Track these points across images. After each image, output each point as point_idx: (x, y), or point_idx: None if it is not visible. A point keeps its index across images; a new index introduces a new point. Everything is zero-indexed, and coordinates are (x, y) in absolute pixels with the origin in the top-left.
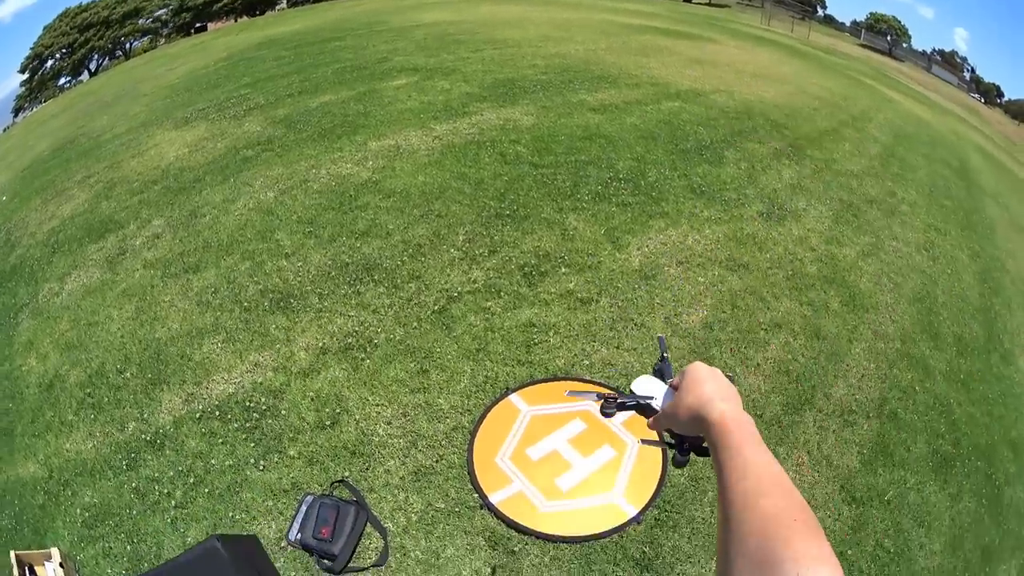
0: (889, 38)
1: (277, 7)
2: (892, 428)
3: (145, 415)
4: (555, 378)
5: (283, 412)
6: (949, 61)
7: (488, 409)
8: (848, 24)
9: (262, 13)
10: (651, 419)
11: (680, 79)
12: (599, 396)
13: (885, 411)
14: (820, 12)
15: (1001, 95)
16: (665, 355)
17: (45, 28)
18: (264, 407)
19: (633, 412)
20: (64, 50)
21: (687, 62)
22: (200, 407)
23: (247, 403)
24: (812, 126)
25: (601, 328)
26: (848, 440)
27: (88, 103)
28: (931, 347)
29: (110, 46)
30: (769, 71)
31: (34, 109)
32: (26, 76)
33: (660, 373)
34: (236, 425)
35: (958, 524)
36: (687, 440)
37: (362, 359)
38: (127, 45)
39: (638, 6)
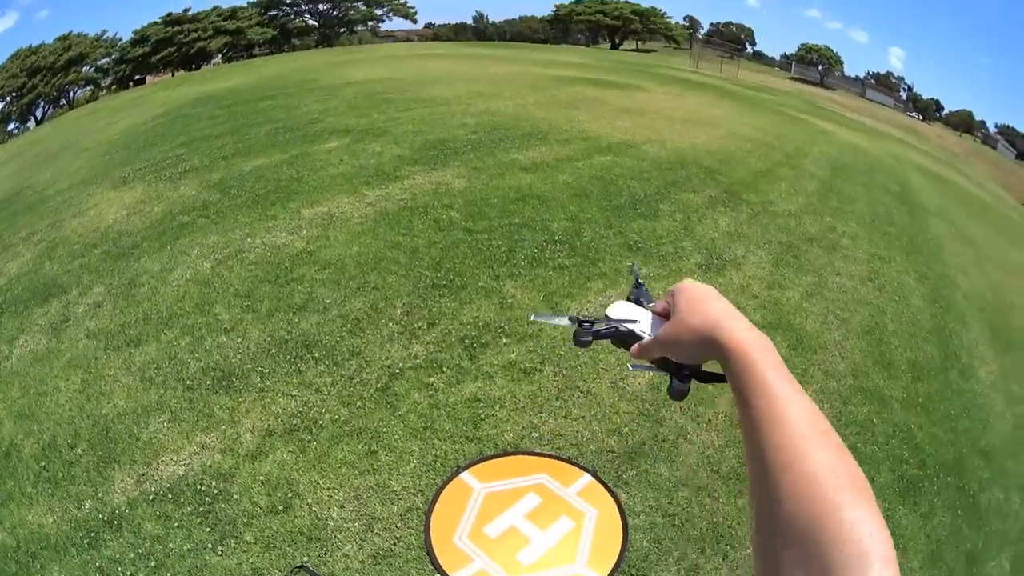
0: (820, 68)
1: (213, 62)
2: None
3: (99, 494)
4: (505, 453)
5: (235, 496)
6: (884, 83)
7: (441, 489)
8: (778, 58)
9: (198, 68)
10: (636, 346)
11: (611, 131)
12: (572, 319)
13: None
14: (749, 49)
15: (940, 109)
16: (640, 282)
17: None
18: (216, 491)
19: (609, 341)
20: (14, 93)
21: (617, 112)
22: (152, 489)
23: (198, 486)
24: (746, 169)
25: (547, 398)
26: None
27: (34, 153)
28: (885, 377)
29: (55, 93)
30: (700, 116)
31: None
32: None
33: (637, 299)
34: (190, 508)
35: (934, 539)
36: (686, 366)
37: (309, 441)
38: (71, 94)
39: (567, 57)
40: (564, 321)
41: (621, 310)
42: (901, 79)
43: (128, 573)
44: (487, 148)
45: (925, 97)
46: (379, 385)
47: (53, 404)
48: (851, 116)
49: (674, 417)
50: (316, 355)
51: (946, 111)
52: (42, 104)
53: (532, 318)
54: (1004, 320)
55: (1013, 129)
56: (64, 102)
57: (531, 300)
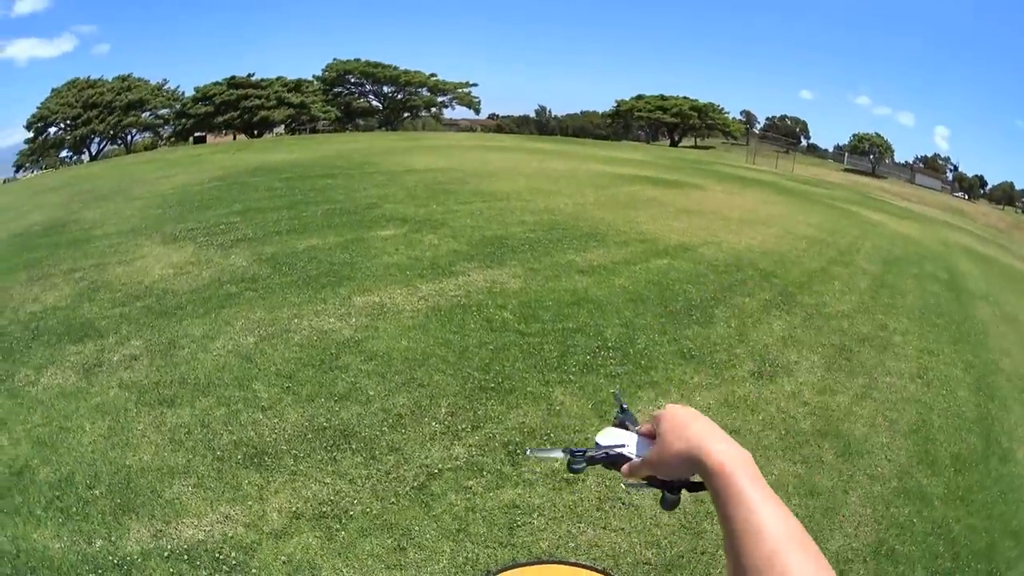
0: (872, 156)
1: (275, 131)
2: (889, 565)
3: (113, 537)
4: (538, 560)
5: (253, 571)
6: (931, 166)
7: None
8: (831, 150)
9: (260, 135)
10: (626, 467)
11: (668, 233)
12: (565, 451)
13: (882, 551)
14: (804, 142)
15: (984, 184)
16: (624, 406)
17: (53, 90)
18: (234, 561)
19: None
20: (68, 122)
21: (675, 213)
22: (169, 546)
23: (216, 554)
24: (800, 269)
25: (587, 508)
26: None
27: (84, 188)
28: (928, 475)
29: (111, 132)
30: (756, 214)
31: (34, 172)
32: (31, 135)
33: (623, 423)
34: (206, 573)
35: None
36: (675, 481)
37: (337, 529)
38: (128, 136)
39: (627, 154)
40: (558, 454)
41: (610, 436)
42: (947, 159)
43: None
44: (544, 248)
45: (970, 175)
46: (416, 483)
47: (76, 442)
48: (900, 204)
49: (715, 528)
50: (354, 446)
51: (989, 186)
52: (97, 140)
53: (528, 453)
54: None
55: None
56: (120, 142)
57: (580, 408)
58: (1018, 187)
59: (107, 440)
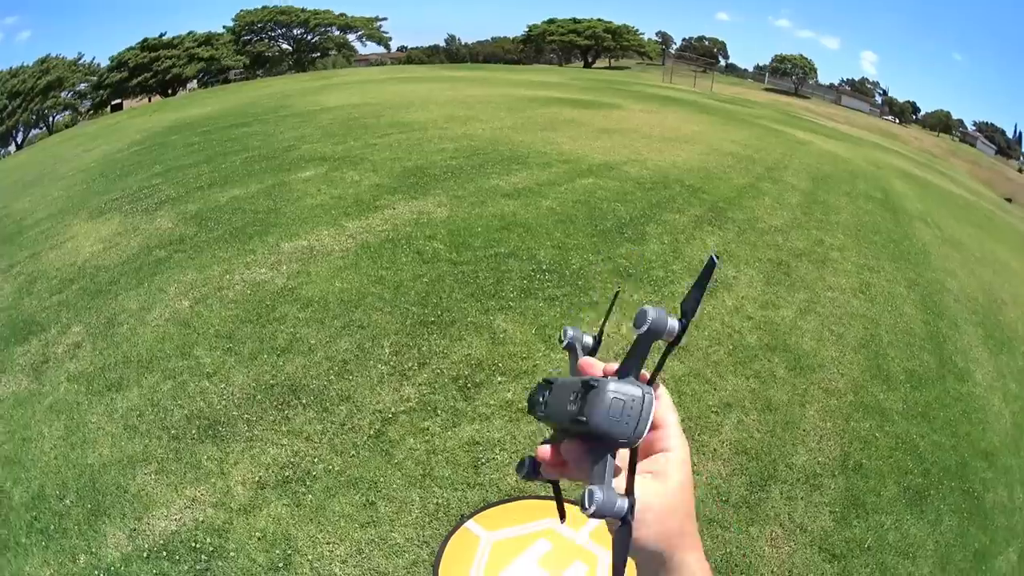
0: (795, 77)
1: (188, 87)
2: (859, 479)
3: (93, 548)
4: (510, 498)
5: (231, 554)
6: (859, 89)
7: (447, 540)
8: (752, 70)
9: (174, 93)
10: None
11: (591, 152)
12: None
13: (849, 465)
14: (722, 62)
15: (917, 111)
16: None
17: None
18: (211, 548)
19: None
20: None
21: (595, 133)
22: (146, 544)
23: (192, 543)
24: (729, 186)
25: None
26: (818, 503)
27: (12, 180)
28: (884, 390)
29: (34, 118)
30: (678, 132)
31: None
32: None
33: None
34: (187, 567)
35: (943, 544)
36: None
37: (303, 493)
38: (50, 119)
39: (541, 77)
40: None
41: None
42: (876, 83)
43: None
44: (467, 174)
45: (901, 100)
46: (372, 431)
47: (38, 451)
48: (828, 124)
49: None
50: (304, 401)
51: (923, 112)
52: (21, 129)
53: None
54: (996, 319)
55: (992, 126)
56: (44, 127)
57: (523, 334)
58: (955, 116)
59: (66, 441)
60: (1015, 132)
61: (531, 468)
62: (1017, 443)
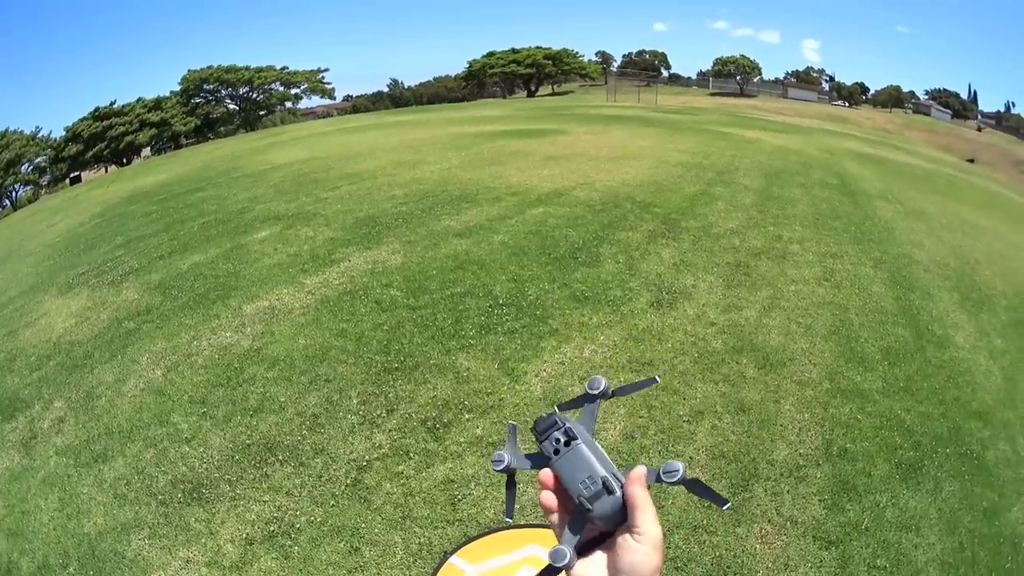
0: (739, 77)
1: (143, 155)
2: (846, 464)
3: None
4: (490, 530)
5: None
6: (805, 79)
7: None
8: (695, 77)
9: (129, 162)
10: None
11: (539, 182)
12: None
13: (833, 452)
14: (665, 73)
15: (867, 91)
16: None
17: None
18: None
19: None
20: None
21: (542, 161)
22: None
23: None
24: (680, 195)
25: (524, 471)
26: (805, 494)
27: None
28: (860, 372)
29: None
30: (625, 150)
31: None
32: None
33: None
34: None
35: (947, 510)
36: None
37: (289, 546)
38: (13, 194)
39: (485, 111)
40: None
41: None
42: (821, 71)
43: None
44: (418, 218)
45: (848, 83)
46: (348, 480)
47: (37, 523)
48: (776, 119)
49: (654, 462)
50: (280, 457)
51: (872, 91)
52: None
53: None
54: (971, 280)
55: (946, 91)
56: (8, 202)
57: (486, 370)
58: (906, 89)
59: (62, 513)
60: (970, 92)
61: (508, 470)
62: (1012, 397)
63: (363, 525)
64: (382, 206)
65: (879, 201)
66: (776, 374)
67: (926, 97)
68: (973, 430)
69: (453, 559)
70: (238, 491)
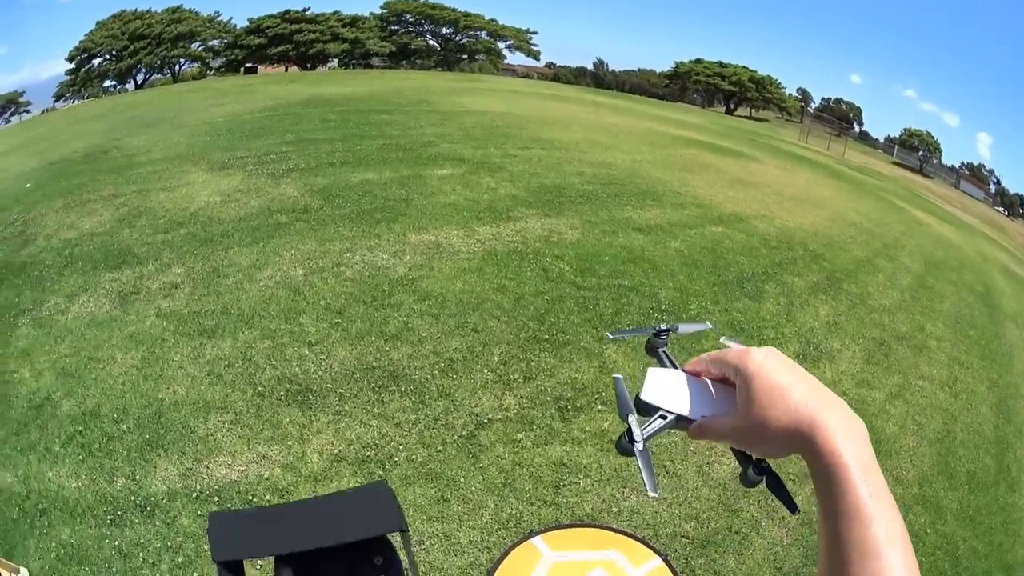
0: (921, 154)
1: (328, 65)
2: None
3: (137, 476)
4: (581, 523)
5: None
6: (976, 174)
7: (509, 550)
8: (882, 140)
9: (313, 68)
10: (693, 428)
11: (723, 201)
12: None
13: None
14: (856, 128)
15: None
16: (662, 330)
17: (98, 23)
18: (268, 505)
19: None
20: (113, 53)
21: (730, 182)
22: (199, 486)
23: (250, 495)
24: (848, 256)
25: (633, 474)
26: None
27: (129, 116)
28: (946, 487)
29: (158, 63)
30: (808, 194)
31: (75, 102)
32: (72, 66)
33: (665, 356)
34: None
35: None
36: (763, 460)
37: (380, 476)
38: (176, 67)
39: (682, 116)
40: (642, 332)
41: (658, 389)
42: (992, 171)
43: (150, 561)
44: (602, 201)
45: (1011, 192)
46: (464, 432)
47: (105, 373)
48: (945, 207)
49: (751, 509)
50: (403, 389)
51: None
52: (143, 70)
53: (610, 335)
54: None
55: None
56: (168, 72)
57: (632, 368)
58: None
59: (140, 371)
60: None
61: (628, 440)
62: None
63: (462, 479)
64: (569, 179)
65: (1011, 324)
66: (881, 463)
67: None
68: None
69: (536, 540)
70: (346, 407)
